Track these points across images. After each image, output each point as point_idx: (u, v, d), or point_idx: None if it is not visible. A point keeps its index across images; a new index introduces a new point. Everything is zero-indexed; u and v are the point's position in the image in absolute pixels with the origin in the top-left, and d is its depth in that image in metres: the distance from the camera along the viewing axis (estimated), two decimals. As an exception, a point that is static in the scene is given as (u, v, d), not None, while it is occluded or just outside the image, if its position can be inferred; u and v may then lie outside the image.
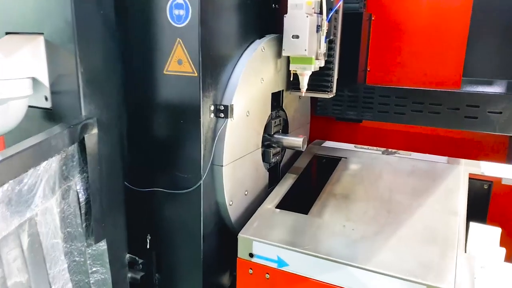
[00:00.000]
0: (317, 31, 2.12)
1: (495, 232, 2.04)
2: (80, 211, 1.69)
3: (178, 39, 1.71)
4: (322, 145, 2.79)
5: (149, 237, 2.02)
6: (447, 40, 2.68)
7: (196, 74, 1.71)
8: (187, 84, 1.75)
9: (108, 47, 1.78)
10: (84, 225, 1.72)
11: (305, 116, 2.81)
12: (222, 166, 1.88)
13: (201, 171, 1.81)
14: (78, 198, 1.68)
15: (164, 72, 1.78)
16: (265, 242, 1.86)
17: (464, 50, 2.60)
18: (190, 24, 1.68)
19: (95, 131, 1.68)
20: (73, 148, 1.61)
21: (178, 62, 1.74)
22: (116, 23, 1.78)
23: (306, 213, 2.04)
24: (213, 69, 1.80)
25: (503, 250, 1.92)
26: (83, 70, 1.66)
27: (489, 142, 2.70)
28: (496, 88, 2.51)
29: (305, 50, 2.04)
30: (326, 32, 2.14)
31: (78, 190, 1.67)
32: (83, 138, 1.63)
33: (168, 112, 1.84)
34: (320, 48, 2.16)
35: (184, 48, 1.71)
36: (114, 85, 1.85)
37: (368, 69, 3.01)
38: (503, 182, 2.37)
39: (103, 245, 1.80)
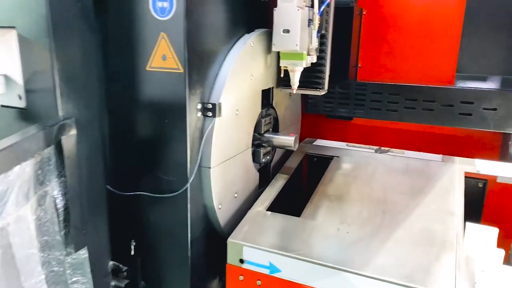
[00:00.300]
0: (309, 25, 2.03)
1: (492, 232, 1.98)
2: (58, 218, 1.58)
3: (161, 33, 1.61)
4: (314, 143, 2.71)
5: (134, 243, 1.92)
6: (441, 35, 2.62)
7: (181, 71, 1.61)
8: (172, 81, 1.64)
9: (87, 42, 1.66)
10: (62, 232, 1.61)
11: (296, 114, 2.73)
12: (210, 168, 1.78)
13: (188, 174, 1.71)
14: (56, 204, 1.56)
15: (147, 68, 1.67)
16: (256, 247, 1.76)
17: (458, 46, 2.54)
18: (175, 17, 1.58)
19: (73, 132, 1.57)
20: (50, 151, 1.50)
21: (162, 58, 1.63)
22: (95, 16, 1.66)
23: (299, 216, 1.96)
24: (200, 65, 1.70)
25: (502, 252, 1.86)
26: (60, 67, 1.54)
27: (482, 139, 2.65)
28: (490, 84, 2.46)
29: (296, 45, 1.95)
30: (318, 27, 2.05)
31: (55, 196, 1.56)
32: (60, 140, 1.52)
33: (152, 111, 1.73)
34: (311, 43, 2.07)
35: (168, 43, 1.61)
36: (94, 82, 1.73)
37: (359, 65, 2.93)
38: (498, 180, 2.32)
39: (84, 253, 1.69)
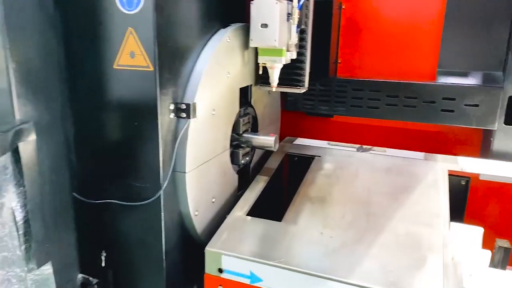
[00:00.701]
0: (288, 19, 1.93)
1: (477, 232, 1.95)
2: (18, 232, 1.44)
3: (129, 28, 1.47)
4: (294, 142, 2.62)
5: (104, 254, 1.78)
6: (422, 30, 2.56)
7: (151, 69, 1.48)
8: (141, 80, 1.51)
9: (46, 37, 1.52)
10: (23, 247, 1.47)
11: (275, 112, 2.63)
12: (185, 172, 1.67)
13: (161, 180, 1.59)
14: (15, 217, 1.43)
15: (114, 66, 1.54)
16: (236, 256, 1.66)
17: (439, 41, 2.48)
18: (143, 11, 1.45)
19: (32, 137, 1.43)
20: (5, 159, 1.36)
21: (130, 55, 1.50)
22: (54, 8, 1.51)
23: (280, 220, 1.87)
24: (172, 63, 1.58)
25: (488, 253, 1.82)
26: (16, 65, 1.40)
27: (463, 135, 2.61)
28: (472, 80, 2.41)
29: (275, 40, 1.85)
30: (298, 21, 1.95)
31: (13, 208, 1.42)
32: (17, 147, 1.38)
33: (120, 112, 1.60)
34: (291, 38, 1.97)
35: (136, 39, 1.48)
36: (56, 82, 1.58)
37: (339, 61, 2.86)
38: (481, 178, 2.29)
39: (47, 268, 1.55)
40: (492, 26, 2.35)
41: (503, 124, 2.34)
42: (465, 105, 2.37)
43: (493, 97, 2.31)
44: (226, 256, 1.67)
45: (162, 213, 1.63)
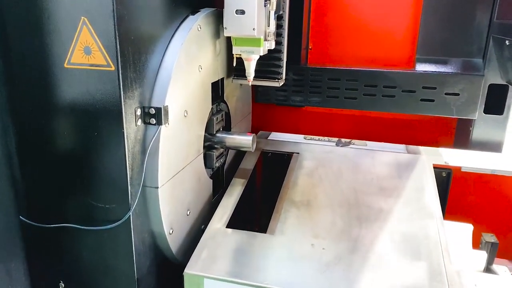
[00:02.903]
0: (265, 5, 1.70)
1: (467, 229, 1.87)
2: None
3: (82, 17, 1.18)
4: (269, 137, 2.42)
5: (62, 285, 1.52)
6: (399, 14, 2.42)
7: (112, 68, 1.21)
8: (100, 82, 1.24)
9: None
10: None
11: (246, 106, 2.41)
12: (158, 187, 1.42)
13: (129, 199, 1.34)
14: None
15: (65, 65, 1.25)
16: (220, 279, 1.46)
17: (417, 26, 2.36)
18: (99, -5, 1.16)
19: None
20: None
21: (85, 51, 1.21)
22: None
23: (265, 231, 1.68)
24: (137, 59, 1.31)
25: (483, 254, 1.74)
26: None
27: (437, 123, 2.53)
28: (451, 68, 2.31)
29: (254, 29, 1.62)
30: (276, 6, 1.73)
31: None
32: None
33: (74, 121, 1.31)
34: (269, 26, 1.74)
35: (92, 31, 1.19)
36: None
37: (310, 47, 2.67)
38: (462, 170, 2.21)
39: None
40: (472, 12, 2.24)
41: (483, 113, 2.28)
42: (446, 94, 2.28)
43: (474, 85, 2.23)
44: (208, 279, 1.47)
45: (133, 237, 1.38)
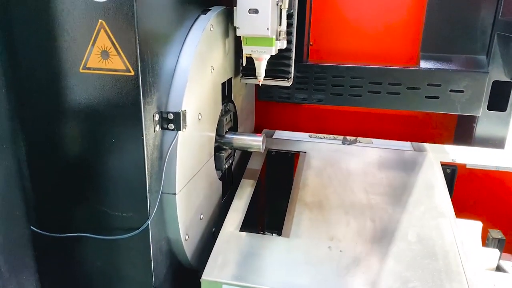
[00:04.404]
0: (277, 3, 1.66)
1: (476, 227, 1.88)
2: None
3: (100, 20, 1.13)
4: (273, 136, 2.38)
5: (76, 295, 1.47)
6: (403, 12, 2.41)
7: (132, 73, 1.16)
8: (118, 88, 1.18)
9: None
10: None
11: (251, 104, 2.37)
12: (175, 194, 1.38)
13: (148, 207, 1.29)
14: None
15: (81, 70, 1.19)
16: (238, 285, 1.43)
17: (421, 24, 2.35)
18: (119, -3, 1.11)
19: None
20: None
21: (102, 56, 1.16)
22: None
23: (280, 233, 1.66)
24: (155, 62, 1.26)
25: (495, 252, 1.76)
26: None
27: (438, 120, 2.55)
28: (455, 65, 2.31)
29: (268, 29, 1.58)
30: (288, 4, 1.69)
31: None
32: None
33: (90, 128, 1.26)
34: (281, 25, 1.70)
35: (110, 34, 1.14)
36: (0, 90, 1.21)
37: (311, 44, 2.64)
38: (467, 166, 2.23)
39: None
40: (476, 9, 2.24)
41: (487, 110, 2.29)
42: (451, 91, 2.28)
43: (478, 82, 2.24)
44: (227, 286, 1.44)
45: (151, 246, 1.34)
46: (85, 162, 1.30)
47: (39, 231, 1.39)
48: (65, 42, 1.17)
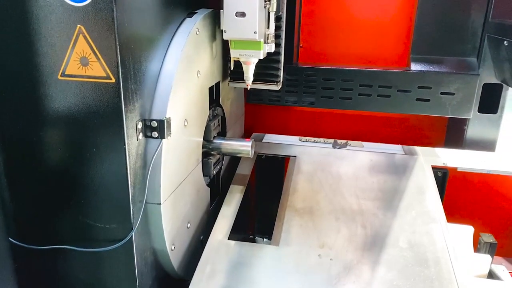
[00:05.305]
0: (265, 6, 1.62)
1: (468, 231, 1.87)
2: None
3: (78, 26, 1.08)
4: (263, 140, 2.35)
5: (58, 309, 1.42)
6: (393, 13, 2.39)
7: (113, 80, 1.11)
8: (98, 96, 1.14)
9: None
10: None
11: (240, 107, 2.33)
12: (160, 204, 1.34)
13: (132, 218, 1.25)
14: None
15: (59, 77, 1.14)
16: (227, 297, 1.40)
17: (411, 26, 2.33)
18: (98, 1, 1.06)
19: None
20: None
21: (82, 62, 1.11)
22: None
23: (270, 238, 1.62)
24: (137, 69, 1.21)
25: (487, 258, 1.74)
26: None
27: (428, 122, 2.53)
28: (446, 67, 2.29)
29: (255, 32, 1.54)
30: (276, 7, 1.65)
31: None
32: None
33: (70, 137, 1.21)
34: (269, 28, 1.67)
35: (89, 40, 1.09)
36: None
37: (301, 45, 2.61)
38: (458, 170, 2.21)
39: None
40: (466, 11, 2.22)
41: (477, 112, 2.28)
42: (441, 93, 2.26)
43: (469, 84, 2.22)
44: (215, 297, 1.40)
45: (135, 257, 1.30)
46: (65, 172, 1.25)
47: (19, 243, 1.33)
48: (42, 48, 1.12)
